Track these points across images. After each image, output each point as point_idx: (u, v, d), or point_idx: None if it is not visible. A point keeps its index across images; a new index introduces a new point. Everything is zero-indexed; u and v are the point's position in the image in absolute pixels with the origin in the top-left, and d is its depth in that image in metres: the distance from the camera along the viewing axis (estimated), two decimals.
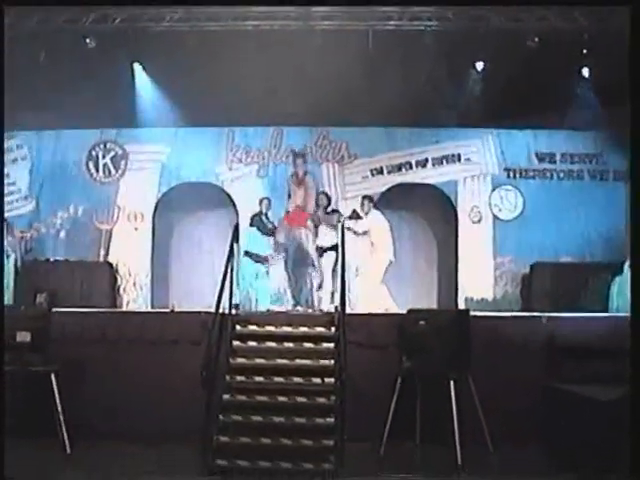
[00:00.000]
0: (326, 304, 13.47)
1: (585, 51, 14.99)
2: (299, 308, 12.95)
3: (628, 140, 7.89)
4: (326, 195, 14.44)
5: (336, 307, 10.72)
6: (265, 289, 14.49)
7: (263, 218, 14.66)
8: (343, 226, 12.49)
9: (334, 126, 16.91)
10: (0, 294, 9.36)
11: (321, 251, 13.78)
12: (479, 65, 15.81)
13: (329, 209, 14.30)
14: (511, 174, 17.02)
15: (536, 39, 14.80)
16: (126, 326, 11.15)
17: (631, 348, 7.26)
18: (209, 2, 14.44)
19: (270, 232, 14.39)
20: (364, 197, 14.83)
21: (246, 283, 14.11)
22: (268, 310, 13.40)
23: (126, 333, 11.06)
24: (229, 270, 10.51)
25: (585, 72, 15.54)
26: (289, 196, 14.07)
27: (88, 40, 15.03)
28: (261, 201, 14.91)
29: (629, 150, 7.85)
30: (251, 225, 14.53)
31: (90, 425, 10.30)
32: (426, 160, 17.05)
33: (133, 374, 10.75)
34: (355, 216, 14.67)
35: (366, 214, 14.41)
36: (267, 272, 14.50)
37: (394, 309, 13.32)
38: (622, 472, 8.11)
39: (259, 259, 14.27)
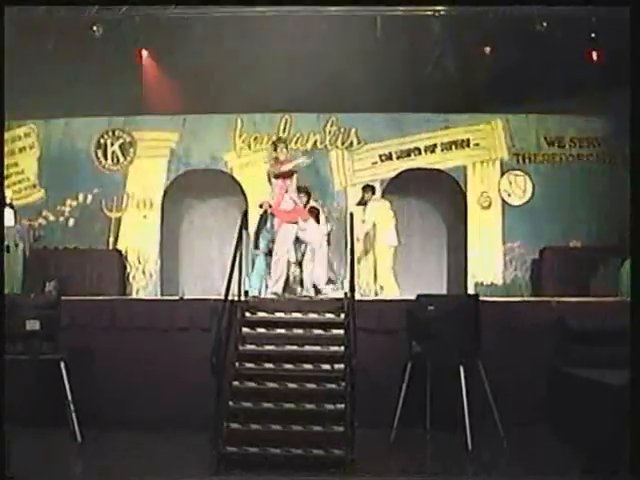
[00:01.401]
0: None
1: (593, 35, 14.91)
2: (307, 294, 12.86)
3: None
4: (306, 191, 13.78)
5: (345, 293, 10.70)
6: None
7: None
8: (352, 215, 12.45)
9: (343, 112, 16.86)
10: (0, 283, 9.36)
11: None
12: (487, 50, 15.72)
13: (308, 207, 13.62)
14: (520, 159, 16.96)
15: (544, 23, 14.73)
16: (136, 314, 11.15)
17: (631, 335, 7.21)
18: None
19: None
20: (365, 187, 14.81)
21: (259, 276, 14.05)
22: (277, 296, 13.35)
23: (136, 321, 11.06)
24: (238, 257, 10.48)
25: (594, 55, 15.45)
26: None
27: (95, 28, 15.00)
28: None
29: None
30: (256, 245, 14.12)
31: (100, 414, 10.31)
32: (435, 145, 17.00)
33: (143, 362, 10.75)
34: (365, 202, 14.63)
35: (365, 204, 14.42)
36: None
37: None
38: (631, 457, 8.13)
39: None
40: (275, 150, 12.24)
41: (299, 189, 12.56)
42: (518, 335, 10.75)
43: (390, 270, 14.53)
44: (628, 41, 7.81)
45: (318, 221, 13.17)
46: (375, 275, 14.67)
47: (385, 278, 14.45)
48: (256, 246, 13.54)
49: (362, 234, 14.57)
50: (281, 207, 11.98)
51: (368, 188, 14.82)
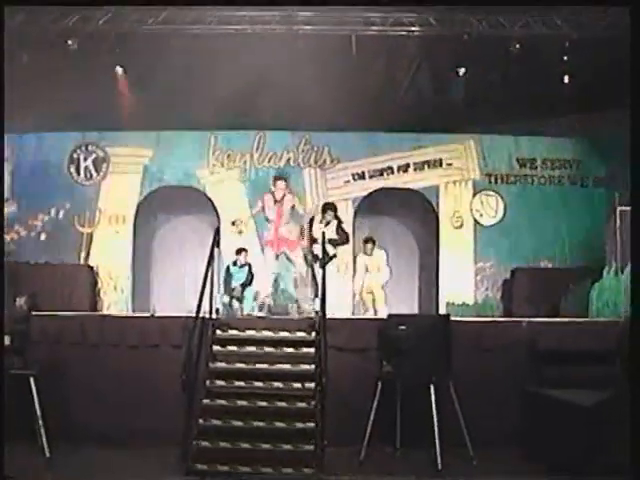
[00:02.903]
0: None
1: (566, 58, 14.98)
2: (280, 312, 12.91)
3: (608, 147, 7.92)
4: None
5: (317, 312, 10.70)
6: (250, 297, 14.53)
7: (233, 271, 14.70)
8: (324, 233, 12.48)
9: (316, 130, 16.89)
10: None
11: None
12: (461, 70, 15.78)
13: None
14: (492, 179, 17.04)
15: (517, 45, 14.79)
16: (106, 330, 11.09)
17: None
18: (202, 3, 14.39)
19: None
20: (367, 240, 14.88)
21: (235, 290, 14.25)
22: (249, 315, 13.35)
23: (106, 337, 11.01)
24: (209, 274, 10.46)
25: (566, 79, 15.54)
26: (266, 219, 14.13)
27: (70, 42, 14.91)
28: (239, 251, 14.89)
29: (611, 156, 7.89)
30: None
31: (70, 429, 10.26)
32: (408, 165, 17.05)
33: (113, 378, 10.69)
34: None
35: (370, 254, 14.66)
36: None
37: None
38: (599, 476, 8.16)
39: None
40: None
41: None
42: (489, 355, 10.78)
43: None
44: (599, 64, 7.88)
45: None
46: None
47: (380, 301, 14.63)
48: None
49: (363, 278, 14.83)
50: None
51: (369, 240, 14.89)
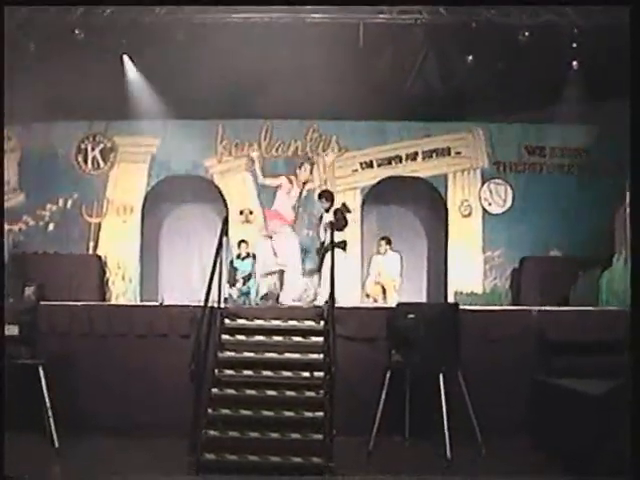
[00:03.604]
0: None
1: (575, 45, 14.92)
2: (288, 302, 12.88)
3: (617, 135, 7.89)
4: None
5: (325, 301, 10.69)
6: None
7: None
8: (332, 223, 12.47)
9: (324, 119, 16.88)
10: (0, 289, 9.32)
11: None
12: (469, 58, 15.72)
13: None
14: (501, 168, 17.02)
15: (526, 33, 14.73)
16: (115, 320, 11.10)
17: (631, 343, 7.22)
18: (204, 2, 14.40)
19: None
20: (382, 238, 14.92)
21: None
22: (257, 304, 13.35)
23: (115, 327, 11.02)
24: (218, 263, 10.46)
25: (575, 66, 15.47)
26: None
27: (77, 31, 14.89)
28: (240, 243, 15.00)
29: (620, 144, 7.86)
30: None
31: (78, 419, 10.28)
32: (416, 153, 17.05)
33: (122, 368, 10.71)
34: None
35: (384, 254, 14.99)
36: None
37: None
38: (610, 466, 8.14)
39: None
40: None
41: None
42: (497, 344, 10.77)
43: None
44: (609, 51, 7.85)
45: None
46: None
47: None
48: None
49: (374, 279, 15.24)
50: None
51: (385, 240, 14.95)
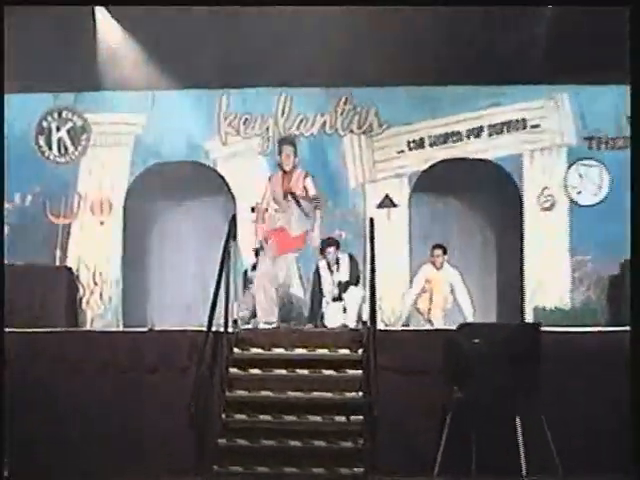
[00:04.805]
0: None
1: None
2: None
3: None
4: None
5: (364, 322, 10.73)
6: None
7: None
8: (372, 220, 12.52)
9: (359, 86, 16.91)
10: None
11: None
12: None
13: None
14: (594, 145, 16.99)
15: None
16: (91, 350, 11.14)
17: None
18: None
19: None
20: (436, 246, 14.95)
21: None
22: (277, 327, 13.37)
23: (90, 359, 11.05)
24: (224, 276, 10.52)
25: None
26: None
27: None
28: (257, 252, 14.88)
29: None
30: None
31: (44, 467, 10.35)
32: (480, 128, 17.07)
33: (100, 410, 10.74)
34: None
35: (439, 268, 14.89)
36: None
37: None
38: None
39: None
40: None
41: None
42: (591, 375, 10.74)
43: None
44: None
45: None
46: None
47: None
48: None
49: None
50: None
51: (439, 249, 14.99)
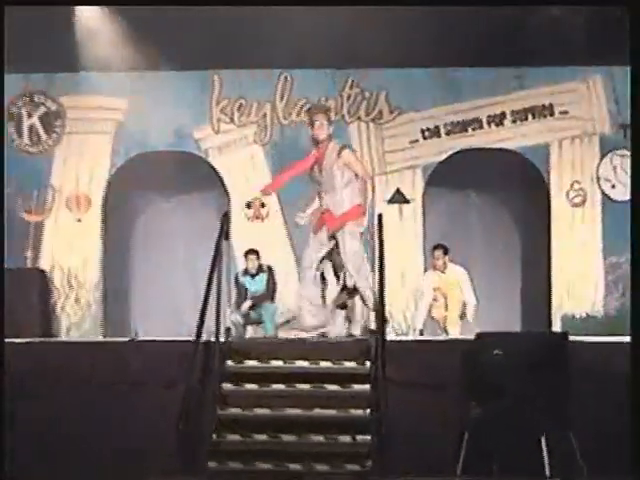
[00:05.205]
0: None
1: None
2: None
3: None
4: None
5: (372, 330, 10.73)
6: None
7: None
8: (380, 216, 12.50)
9: (367, 68, 16.91)
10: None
11: None
12: None
13: None
14: (630, 133, 16.98)
15: None
16: (66, 362, 11.14)
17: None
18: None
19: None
20: (436, 247, 14.98)
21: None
22: (275, 337, 13.39)
23: (66, 373, 11.05)
24: (215, 279, 10.53)
25: None
26: None
27: None
28: (247, 254, 14.98)
29: None
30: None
31: None
32: (503, 115, 17.09)
33: (77, 430, 10.74)
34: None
35: (442, 271, 15.07)
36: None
37: None
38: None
39: None
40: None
41: None
42: (626, 391, 10.75)
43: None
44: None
45: None
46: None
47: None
48: None
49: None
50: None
51: (439, 248, 15.04)
